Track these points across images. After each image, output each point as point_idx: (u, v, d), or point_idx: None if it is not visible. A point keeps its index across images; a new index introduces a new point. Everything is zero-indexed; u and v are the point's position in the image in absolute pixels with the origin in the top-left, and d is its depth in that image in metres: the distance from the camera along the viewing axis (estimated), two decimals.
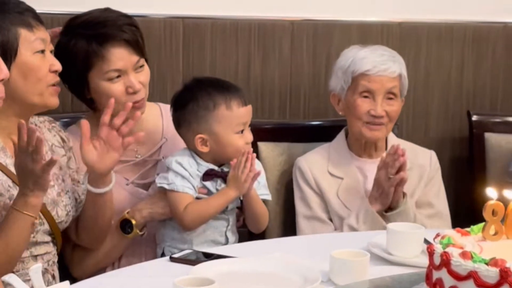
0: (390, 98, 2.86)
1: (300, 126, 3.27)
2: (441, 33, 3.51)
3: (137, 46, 2.62)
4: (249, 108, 2.64)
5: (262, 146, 3.07)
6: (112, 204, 2.56)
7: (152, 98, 2.96)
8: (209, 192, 2.62)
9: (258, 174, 2.59)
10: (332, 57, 3.46)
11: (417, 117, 3.41)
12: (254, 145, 3.04)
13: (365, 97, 2.87)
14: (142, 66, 2.64)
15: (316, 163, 2.90)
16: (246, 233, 2.98)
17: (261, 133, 3.10)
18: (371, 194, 2.78)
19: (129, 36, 2.60)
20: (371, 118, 2.85)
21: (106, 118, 2.45)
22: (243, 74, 3.42)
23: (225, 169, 2.63)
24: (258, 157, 3.02)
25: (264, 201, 2.70)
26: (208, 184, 2.62)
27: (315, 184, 2.87)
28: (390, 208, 2.76)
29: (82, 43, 2.58)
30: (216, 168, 2.63)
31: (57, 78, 2.45)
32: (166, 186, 2.59)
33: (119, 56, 2.58)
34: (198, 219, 2.59)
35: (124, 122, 2.46)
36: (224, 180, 2.62)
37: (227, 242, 2.66)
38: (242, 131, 2.62)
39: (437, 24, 3.50)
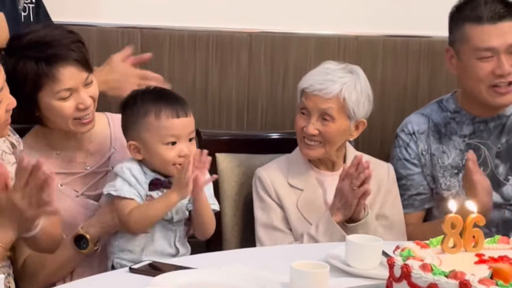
0: (325, 119, 2.84)
1: (258, 137, 3.28)
2: (397, 47, 3.55)
3: (86, 63, 2.61)
4: (183, 121, 2.59)
5: (220, 157, 3.07)
6: (49, 232, 2.45)
7: (109, 108, 2.95)
8: None
9: (205, 180, 2.57)
10: (289, 69, 3.50)
11: (373, 130, 3.44)
12: (212, 156, 3.04)
13: (303, 113, 2.88)
14: (91, 81, 2.64)
15: (276, 174, 2.91)
16: (204, 244, 2.99)
17: (219, 144, 3.11)
18: (333, 204, 2.78)
19: (77, 54, 2.58)
20: (305, 135, 2.86)
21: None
22: (201, 85, 3.43)
23: (172, 180, 2.61)
24: (215, 168, 3.03)
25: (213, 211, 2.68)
26: (154, 194, 2.60)
27: (275, 195, 2.88)
28: (351, 220, 2.77)
29: (31, 64, 2.54)
30: (162, 178, 2.61)
31: (10, 112, 2.40)
32: (113, 192, 2.57)
33: (69, 76, 2.56)
34: (141, 221, 2.56)
35: None
36: None
37: (177, 254, 2.65)
38: (173, 143, 2.58)
39: (393, 38, 3.55)
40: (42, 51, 2.55)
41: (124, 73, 2.96)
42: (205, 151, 2.58)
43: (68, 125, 2.61)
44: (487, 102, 2.97)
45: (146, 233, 2.60)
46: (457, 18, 2.98)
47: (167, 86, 2.94)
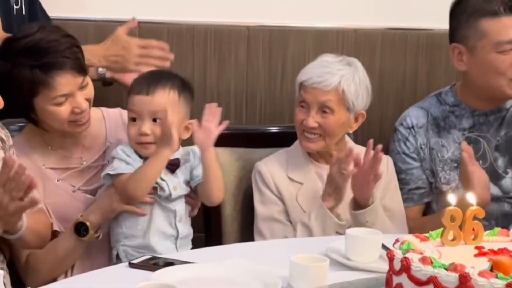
0: (325, 112, 2.84)
1: (257, 131, 3.28)
2: (395, 40, 3.55)
3: (81, 68, 2.61)
4: (142, 98, 2.61)
5: (219, 151, 3.04)
6: (36, 231, 2.49)
7: (108, 104, 2.96)
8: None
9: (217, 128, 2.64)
10: (287, 62, 3.49)
11: (371, 123, 3.44)
12: None
13: (302, 106, 2.88)
14: (86, 84, 2.63)
15: (276, 168, 2.91)
16: (203, 238, 2.99)
17: (217, 138, 3.09)
18: (324, 190, 2.79)
19: (73, 62, 2.57)
20: (304, 128, 2.86)
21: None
22: (199, 79, 3.42)
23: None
24: None
25: None
26: None
27: (275, 188, 2.88)
28: (360, 207, 2.76)
29: (26, 72, 2.53)
30: None
31: None
32: (111, 172, 2.60)
33: (65, 82, 2.56)
34: (138, 183, 2.58)
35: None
36: (170, 170, 2.63)
37: (178, 234, 2.65)
38: (134, 120, 2.62)
39: (391, 31, 3.54)
40: (38, 59, 2.53)
41: (125, 45, 2.96)
42: (214, 104, 2.65)
43: (64, 127, 2.62)
44: (505, 95, 2.97)
45: (144, 214, 2.62)
46: (465, 13, 2.96)
47: (171, 55, 2.98)
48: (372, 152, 2.71)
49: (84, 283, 2.19)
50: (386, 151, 3.14)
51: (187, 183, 2.69)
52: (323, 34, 3.49)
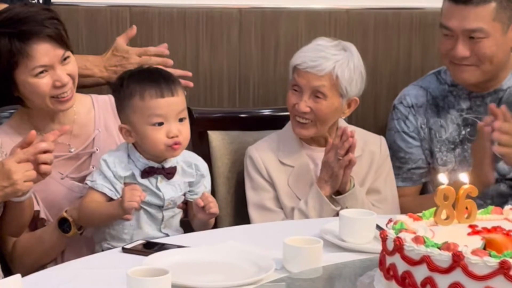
0: (317, 97, 2.82)
1: (250, 114, 3.26)
2: (388, 20, 3.53)
3: (61, 40, 2.58)
4: (168, 100, 2.51)
5: (212, 135, 3.06)
6: (31, 204, 2.51)
7: (100, 90, 2.94)
8: (147, 190, 2.55)
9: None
10: (280, 44, 3.48)
11: (366, 104, 3.43)
12: (204, 134, 3.04)
13: (295, 90, 2.86)
14: (68, 57, 2.61)
15: (267, 152, 2.89)
16: None
17: (211, 121, 3.10)
18: (320, 177, 2.78)
19: (52, 31, 2.55)
20: (296, 112, 2.84)
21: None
22: (192, 63, 3.41)
23: (166, 166, 2.57)
24: (208, 146, 3.02)
25: None
26: (145, 181, 2.55)
27: (266, 173, 2.86)
28: (338, 192, 2.77)
29: (4, 42, 2.52)
30: (155, 165, 2.57)
31: None
32: (88, 183, 2.57)
33: (44, 52, 2.53)
34: (88, 218, 2.55)
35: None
36: (165, 177, 2.57)
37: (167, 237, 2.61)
38: (160, 124, 2.52)
39: (384, 11, 3.53)
40: (15, 27, 2.52)
41: (125, 55, 2.93)
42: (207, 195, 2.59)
43: (46, 103, 2.58)
44: (454, 79, 3.01)
45: (129, 219, 2.57)
46: None
47: (169, 61, 2.93)
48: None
49: (76, 269, 2.18)
50: (381, 131, 3.13)
51: (183, 194, 2.65)
52: (316, 15, 3.47)
